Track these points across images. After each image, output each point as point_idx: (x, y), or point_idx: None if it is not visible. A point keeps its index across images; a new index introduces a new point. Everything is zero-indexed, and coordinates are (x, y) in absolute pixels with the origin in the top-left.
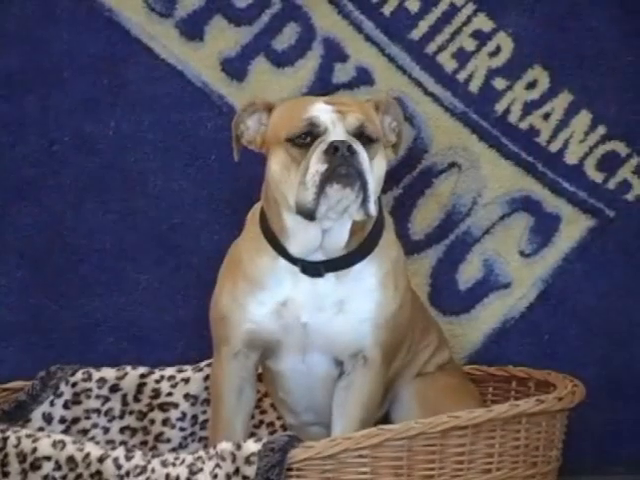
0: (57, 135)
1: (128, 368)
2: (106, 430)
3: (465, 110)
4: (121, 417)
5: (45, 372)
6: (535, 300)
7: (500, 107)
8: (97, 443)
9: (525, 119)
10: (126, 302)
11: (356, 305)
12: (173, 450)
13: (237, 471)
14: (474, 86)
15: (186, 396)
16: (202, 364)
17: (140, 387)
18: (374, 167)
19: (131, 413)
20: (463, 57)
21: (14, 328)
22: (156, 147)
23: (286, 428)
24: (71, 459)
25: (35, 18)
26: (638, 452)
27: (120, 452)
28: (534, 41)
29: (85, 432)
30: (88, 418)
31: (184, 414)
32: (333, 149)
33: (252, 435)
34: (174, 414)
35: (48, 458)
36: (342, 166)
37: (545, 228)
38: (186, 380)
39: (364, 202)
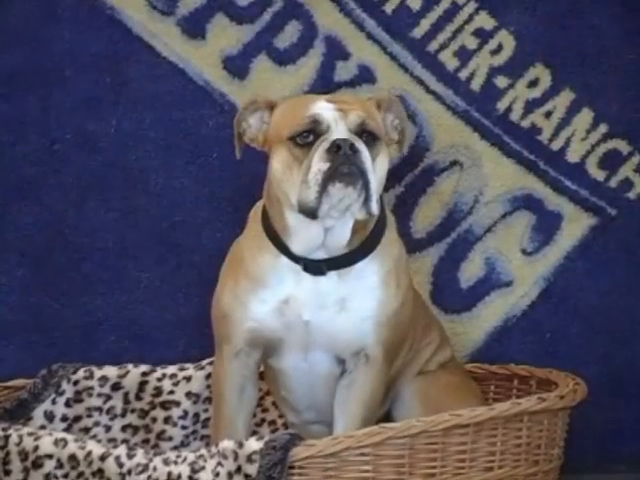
0: (59, 133)
1: (130, 366)
2: (108, 428)
3: (467, 108)
4: (123, 415)
5: (47, 370)
6: (537, 298)
7: (502, 105)
8: (99, 441)
9: (527, 117)
10: (128, 300)
11: (358, 303)
12: (175, 448)
13: (239, 469)
14: (476, 84)
15: (188, 394)
16: (204, 362)
17: (142, 385)
18: (376, 166)
19: (133, 411)
20: (465, 55)
21: (15, 326)
22: (158, 145)
23: (287, 427)
24: (73, 457)
25: (37, 17)
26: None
27: (122, 450)
28: (536, 39)
29: (87, 430)
30: (90, 416)
31: (186, 412)
32: (335, 147)
33: (254, 433)
34: (176, 412)
35: (50, 456)
36: (344, 165)
37: (547, 226)
38: (188, 378)
39: (366, 201)
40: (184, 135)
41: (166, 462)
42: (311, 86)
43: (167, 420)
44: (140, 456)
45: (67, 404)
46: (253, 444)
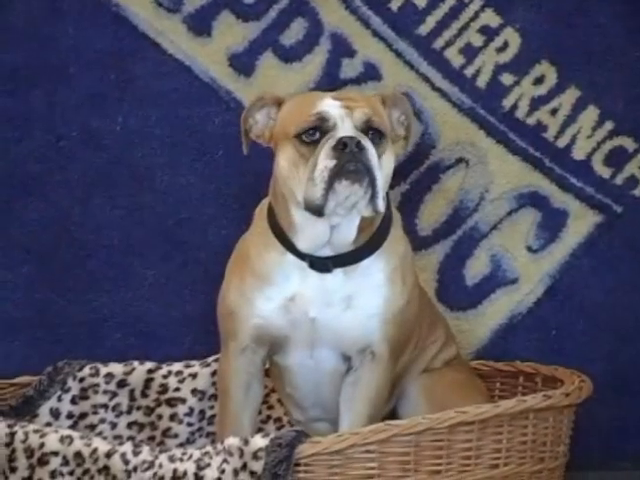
0: (64, 130)
1: (136, 363)
2: (113, 425)
3: (472, 105)
4: (129, 412)
5: (52, 367)
6: (542, 295)
7: (507, 102)
8: (104, 438)
9: (532, 114)
10: (133, 297)
11: (364, 300)
12: (180, 445)
13: (244, 466)
14: (481, 81)
15: (194, 391)
16: (210, 359)
17: (148, 382)
18: (382, 163)
19: (139, 408)
20: (470, 52)
21: (21, 323)
22: (163, 142)
23: (292, 424)
24: (78, 454)
25: (42, 13)
26: None
27: (128, 447)
28: (541, 37)
29: (92, 427)
30: (96, 413)
31: (192, 409)
32: (342, 145)
33: (259, 430)
34: (182, 409)
35: (56, 453)
36: (351, 162)
37: (552, 223)
38: (194, 375)
39: (372, 198)
40: (190, 132)
41: (172, 459)
42: (317, 83)
43: (173, 417)
44: (146, 453)
45: (73, 401)
46: (259, 441)
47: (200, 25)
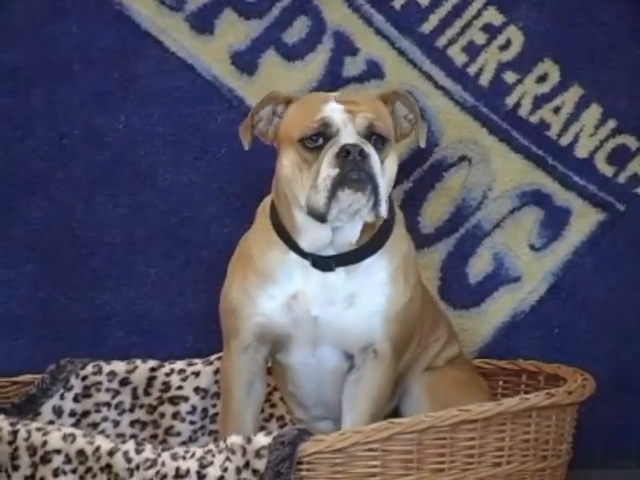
0: (67, 128)
1: (138, 361)
2: (116, 423)
3: (475, 104)
4: (131, 410)
5: (55, 365)
6: (545, 294)
7: (510, 101)
8: (107, 436)
9: (535, 113)
10: (136, 295)
11: (366, 299)
12: (183, 444)
13: (247, 464)
14: (484, 80)
15: (196, 389)
16: (212, 357)
17: (150, 380)
18: (385, 167)
19: (141, 407)
20: (473, 51)
21: (24, 321)
22: (166, 141)
23: (295, 423)
24: (81, 452)
25: (45, 11)
26: None
27: (130, 445)
28: (544, 35)
29: (95, 425)
30: (98, 411)
31: (194, 407)
32: (345, 153)
33: (262, 429)
34: (184, 407)
35: (58, 451)
36: (353, 171)
37: (555, 222)
38: (196, 374)
39: (375, 205)
40: (192, 130)
41: (174, 457)
42: (319, 82)
43: (175, 415)
44: (148, 451)
45: (75, 399)
46: (261, 439)
47: (202, 23)
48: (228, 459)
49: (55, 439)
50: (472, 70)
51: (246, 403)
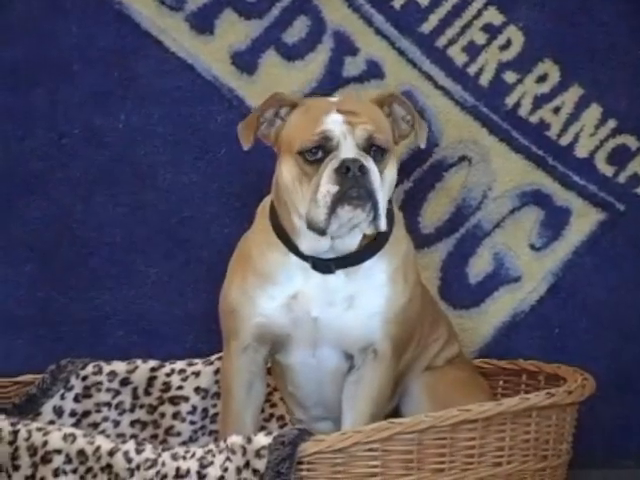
0: (66, 128)
1: (139, 361)
2: (116, 423)
3: (475, 104)
4: (131, 410)
5: (55, 366)
6: (545, 294)
7: (510, 101)
8: (107, 436)
9: (535, 113)
10: (136, 295)
11: (366, 300)
12: (183, 444)
13: (247, 464)
14: (484, 80)
15: (196, 389)
16: (212, 357)
17: (151, 380)
18: (385, 179)
19: (141, 407)
20: (473, 51)
21: (23, 321)
22: (166, 140)
23: (294, 423)
24: (81, 452)
25: (45, 11)
26: None
27: (130, 445)
28: (545, 35)
29: (95, 425)
30: (99, 411)
31: (194, 407)
32: (344, 169)
33: (262, 429)
34: (184, 407)
35: (59, 451)
36: (354, 188)
37: (555, 222)
38: (196, 374)
39: (375, 219)
40: (192, 130)
41: (174, 457)
42: (319, 82)
43: (176, 415)
44: (149, 451)
45: (76, 399)
46: (262, 439)
47: (202, 23)
48: (228, 459)
49: (55, 439)
50: (472, 70)
51: (246, 403)
